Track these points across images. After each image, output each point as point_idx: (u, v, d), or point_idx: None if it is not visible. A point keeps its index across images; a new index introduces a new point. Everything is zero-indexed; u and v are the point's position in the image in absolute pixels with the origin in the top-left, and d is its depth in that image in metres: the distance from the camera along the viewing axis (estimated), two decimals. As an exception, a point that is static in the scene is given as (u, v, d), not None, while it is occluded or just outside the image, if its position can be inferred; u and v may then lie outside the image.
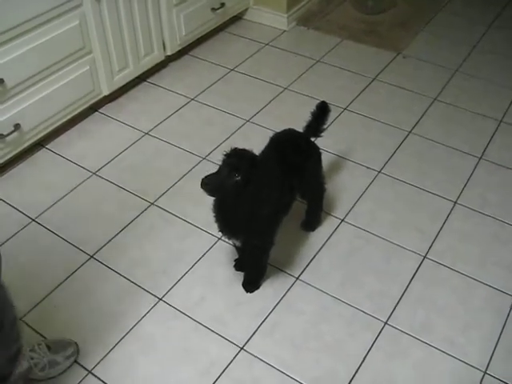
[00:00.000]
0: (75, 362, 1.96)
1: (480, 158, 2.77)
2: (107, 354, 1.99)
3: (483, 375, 1.94)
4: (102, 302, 2.16)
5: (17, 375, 1.75)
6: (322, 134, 2.28)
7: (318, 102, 2.26)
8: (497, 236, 2.40)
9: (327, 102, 2.25)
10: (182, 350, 2.01)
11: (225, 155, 1.83)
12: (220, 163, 1.83)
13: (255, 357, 1.99)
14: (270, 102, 3.13)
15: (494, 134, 2.91)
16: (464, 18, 3.88)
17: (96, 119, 3.01)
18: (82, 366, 1.96)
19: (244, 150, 1.85)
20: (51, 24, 2.53)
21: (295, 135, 2.21)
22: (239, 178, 1.78)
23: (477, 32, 3.73)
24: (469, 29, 3.77)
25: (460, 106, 3.10)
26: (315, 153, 2.25)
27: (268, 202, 1.86)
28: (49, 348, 1.91)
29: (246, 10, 3.80)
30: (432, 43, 3.63)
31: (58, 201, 2.55)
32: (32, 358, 1.86)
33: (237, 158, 1.81)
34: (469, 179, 2.66)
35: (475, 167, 2.72)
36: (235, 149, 1.85)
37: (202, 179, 1.78)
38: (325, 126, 2.27)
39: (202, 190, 1.78)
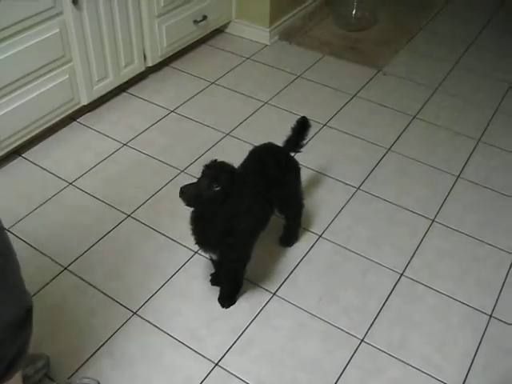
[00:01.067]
0: (46, 376, 1.92)
1: (458, 176, 2.78)
2: (79, 368, 1.95)
3: (459, 394, 1.94)
4: (75, 314, 2.12)
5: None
6: (302, 149, 2.27)
7: (299, 117, 2.26)
8: (474, 254, 2.41)
9: (307, 117, 2.25)
10: (156, 365, 1.98)
11: (204, 166, 1.83)
12: (200, 175, 1.82)
13: (230, 373, 1.96)
14: (250, 115, 3.12)
15: (472, 153, 2.93)
16: (444, 37, 3.93)
17: (74, 129, 2.98)
18: (52, 381, 1.91)
19: (223, 163, 1.85)
20: (31, 31, 2.50)
21: (275, 149, 2.21)
22: (218, 188, 1.77)
23: (457, 51, 3.77)
24: (449, 48, 3.80)
25: (439, 124, 3.12)
26: (294, 168, 2.25)
27: (247, 216, 1.84)
28: None
29: (229, 23, 3.81)
30: (413, 61, 3.66)
31: (33, 211, 2.50)
32: None
33: (216, 170, 1.81)
34: (446, 197, 2.67)
35: (453, 185, 2.73)
36: (215, 160, 1.85)
37: (181, 188, 1.77)
38: (305, 142, 2.26)
39: (180, 199, 1.77)
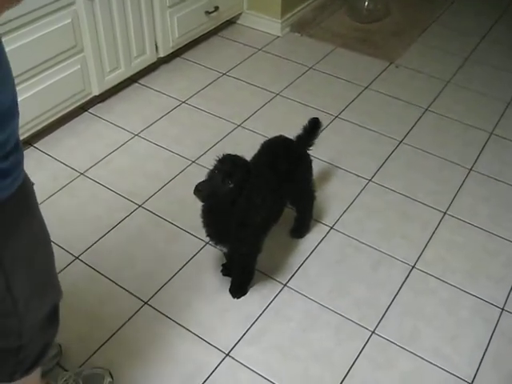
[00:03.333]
0: (57, 364, 1.93)
1: (470, 169, 2.77)
2: (90, 357, 1.96)
3: (470, 387, 1.93)
4: (86, 304, 2.13)
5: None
6: (312, 147, 2.26)
7: (311, 118, 2.24)
8: (485, 247, 2.40)
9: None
10: (167, 354, 1.98)
11: (217, 161, 1.81)
12: (211, 168, 1.81)
13: (241, 364, 1.96)
14: (261, 107, 3.11)
15: (484, 146, 2.91)
16: (457, 30, 3.90)
17: (86, 119, 2.98)
18: (64, 369, 1.92)
19: (236, 156, 1.84)
20: (43, 21, 2.50)
21: (287, 142, 2.20)
22: (232, 185, 1.77)
23: (469, 44, 3.75)
24: (461, 40, 3.78)
25: (451, 116, 3.10)
26: (306, 160, 2.24)
27: (261, 210, 1.84)
28: None
29: (240, 14, 3.79)
30: (425, 54, 3.64)
31: (45, 200, 2.51)
32: None
33: (230, 165, 1.79)
34: (459, 190, 2.66)
35: (465, 178, 2.72)
36: (228, 155, 1.83)
37: (196, 186, 1.76)
38: (315, 141, 2.25)
39: (194, 196, 1.76)
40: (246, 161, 1.86)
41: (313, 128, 2.23)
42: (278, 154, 2.12)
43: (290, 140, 2.21)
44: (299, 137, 2.23)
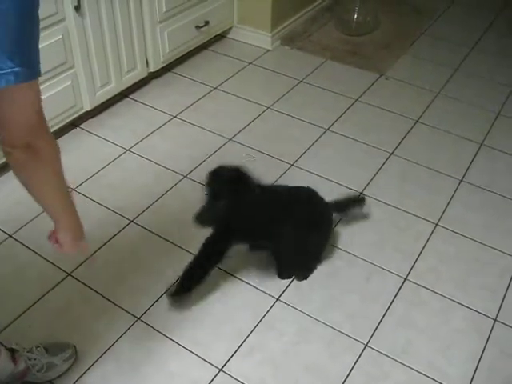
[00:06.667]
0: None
1: (461, 180, 2.78)
2: (83, 374, 1.95)
3: (464, 399, 1.93)
4: (79, 320, 2.12)
5: (15, 375, 1.71)
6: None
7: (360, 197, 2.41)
8: (478, 258, 2.40)
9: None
10: (161, 370, 1.97)
11: (205, 181, 1.88)
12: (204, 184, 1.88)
13: (234, 378, 1.95)
14: (252, 120, 3.12)
15: (475, 157, 2.93)
16: (446, 41, 3.93)
17: (77, 135, 2.98)
18: (56, 387, 1.91)
19: (223, 169, 1.89)
20: (33, 38, 2.50)
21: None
22: (223, 202, 1.82)
23: (459, 55, 3.77)
24: (451, 51, 3.81)
25: (442, 128, 3.12)
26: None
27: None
28: (46, 350, 1.89)
29: (230, 28, 3.81)
30: (415, 65, 3.66)
31: (37, 216, 2.50)
32: (29, 359, 1.82)
33: (215, 182, 1.86)
34: (450, 201, 2.66)
35: (456, 189, 2.73)
36: (213, 172, 1.89)
37: (193, 216, 1.85)
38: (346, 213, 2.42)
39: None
40: (231, 173, 1.89)
41: (355, 203, 2.41)
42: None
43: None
44: (337, 202, 2.34)
